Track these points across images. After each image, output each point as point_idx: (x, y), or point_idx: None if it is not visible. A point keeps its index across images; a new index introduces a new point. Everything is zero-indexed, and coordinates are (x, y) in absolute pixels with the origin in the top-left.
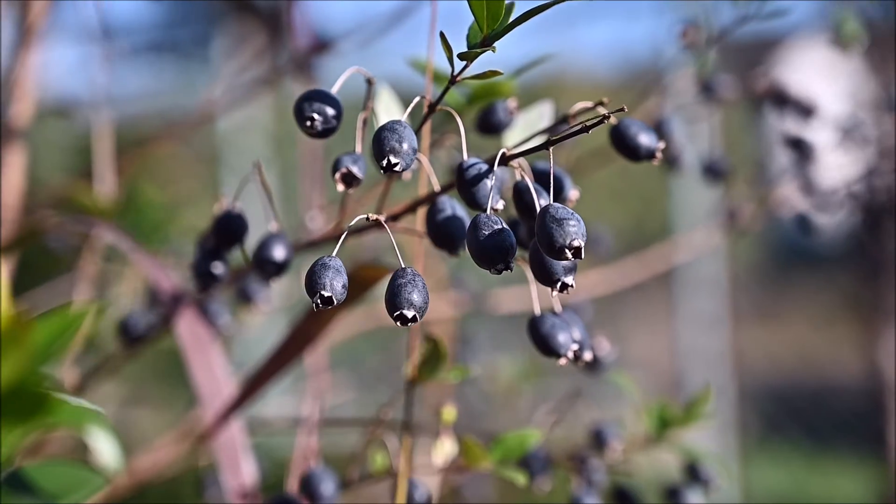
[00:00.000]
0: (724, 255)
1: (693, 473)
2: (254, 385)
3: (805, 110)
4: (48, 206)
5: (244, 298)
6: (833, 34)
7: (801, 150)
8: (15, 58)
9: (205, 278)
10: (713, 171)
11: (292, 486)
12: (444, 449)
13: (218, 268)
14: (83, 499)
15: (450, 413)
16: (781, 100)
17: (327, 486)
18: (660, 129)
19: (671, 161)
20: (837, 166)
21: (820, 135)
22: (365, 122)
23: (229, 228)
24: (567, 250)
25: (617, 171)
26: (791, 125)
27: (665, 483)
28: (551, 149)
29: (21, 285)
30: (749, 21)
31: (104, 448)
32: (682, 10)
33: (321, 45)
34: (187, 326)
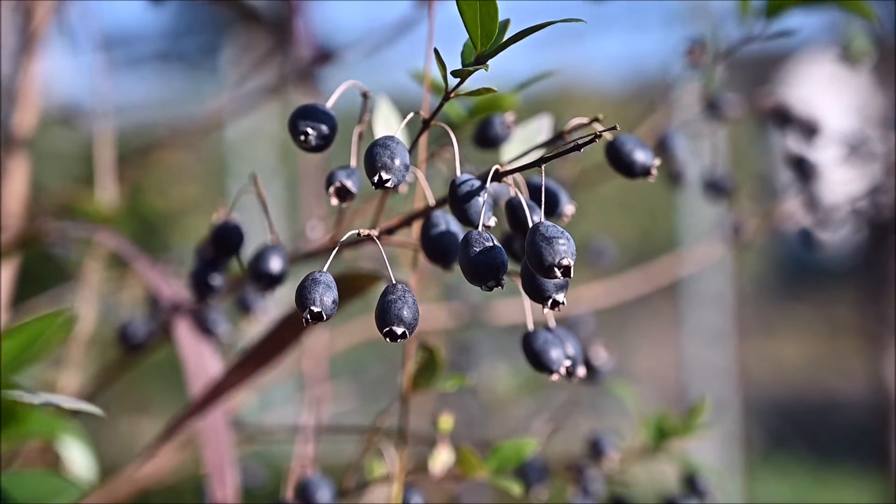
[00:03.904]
0: (730, 270)
1: (691, 485)
2: (227, 381)
3: (809, 129)
4: (50, 212)
5: (243, 308)
6: (841, 50)
7: (802, 169)
8: (18, 65)
9: (202, 288)
10: (716, 188)
11: (288, 494)
12: (441, 457)
13: (216, 279)
14: None
15: (446, 422)
16: (785, 118)
17: (323, 494)
18: (663, 145)
19: (674, 177)
20: (843, 182)
21: (825, 152)
22: (361, 135)
23: (227, 239)
24: (556, 269)
25: (624, 185)
26: (794, 144)
27: (663, 494)
28: (544, 166)
29: (24, 294)
30: (755, 40)
31: (77, 458)
32: (689, 25)
33: (324, 55)
34: (186, 334)
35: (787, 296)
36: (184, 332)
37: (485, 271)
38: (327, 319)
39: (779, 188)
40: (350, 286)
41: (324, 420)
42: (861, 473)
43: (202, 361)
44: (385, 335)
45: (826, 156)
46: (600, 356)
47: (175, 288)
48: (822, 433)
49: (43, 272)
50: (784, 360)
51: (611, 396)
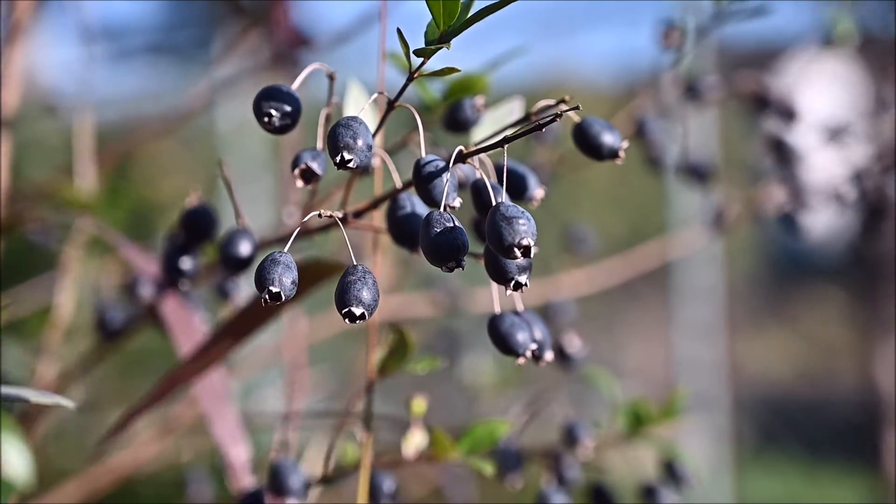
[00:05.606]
0: (721, 265)
1: (669, 471)
2: (183, 373)
3: (787, 113)
4: (31, 200)
5: (221, 294)
6: (825, 34)
7: (782, 152)
8: (1, 53)
9: (173, 273)
10: (695, 173)
11: (262, 479)
12: (414, 440)
13: (186, 262)
14: None
15: (419, 405)
16: (763, 102)
17: (295, 479)
18: (641, 130)
19: (653, 162)
20: (827, 167)
21: (808, 137)
22: (329, 117)
23: (197, 223)
24: (516, 249)
25: (615, 180)
26: (774, 127)
27: (642, 481)
28: (507, 148)
29: (6, 283)
30: (730, 19)
31: (12, 456)
32: (668, 12)
33: (303, 40)
34: (171, 309)
35: (779, 292)
36: (168, 307)
37: (445, 252)
38: (286, 300)
39: (763, 175)
40: (314, 274)
41: (300, 407)
42: (851, 471)
43: (189, 333)
44: (344, 316)
45: (808, 141)
46: (574, 344)
47: (157, 269)
48: (813, 430)
49: (26, 261)
50: (775, 356)
51: (597, 389)
